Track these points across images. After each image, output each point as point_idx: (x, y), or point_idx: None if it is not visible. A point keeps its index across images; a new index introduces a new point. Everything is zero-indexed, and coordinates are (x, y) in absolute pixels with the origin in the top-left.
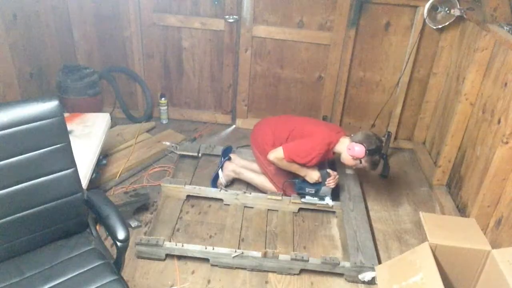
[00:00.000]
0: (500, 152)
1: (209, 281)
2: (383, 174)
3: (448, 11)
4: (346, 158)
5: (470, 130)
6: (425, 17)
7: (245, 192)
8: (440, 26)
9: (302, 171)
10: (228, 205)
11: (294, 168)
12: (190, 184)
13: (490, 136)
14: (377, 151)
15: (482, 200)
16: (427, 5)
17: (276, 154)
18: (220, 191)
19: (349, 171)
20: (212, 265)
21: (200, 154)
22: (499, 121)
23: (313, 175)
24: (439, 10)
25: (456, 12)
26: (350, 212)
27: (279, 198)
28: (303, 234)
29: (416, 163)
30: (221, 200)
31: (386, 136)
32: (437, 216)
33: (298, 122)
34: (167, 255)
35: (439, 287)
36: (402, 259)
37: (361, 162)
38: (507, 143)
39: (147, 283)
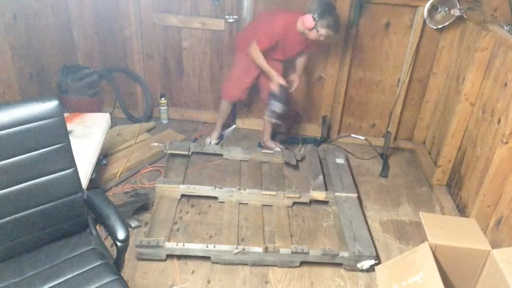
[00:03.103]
0: (500, 152)
1: (209, 281)
2: (383, 174)
3: (448, 11)
4: (308, 33)
5: (470, 130)
6: (425, 17)
7: (239, 189)
8: (440, 26)
9: (271, 72)
10: (223, 202)
11: (262, 64)
12: (182, 183)
13: (490, 136)
14: (325, 13)
15: (482, 200)
16: (427, 5)
17: (252, 46)
18: (214, 189)
19: (339, 161)
20: (213, 262)
21: (190, 153)
22: (499, 121)
23: (277, 78)
24: (439, 10)
25: (456, 12)
26: (344, 203)
27: (274, 193)
28: (300, 227)
29: (416, 163)
30: (216, 197)
31: (386, 136)
32: (437, 216)
33: (264, 15)
34: (167, 255)
35: (439, 287)
36: (402, 259)
37: (318, 31)
38: (507, 143)
39: (147, 283)
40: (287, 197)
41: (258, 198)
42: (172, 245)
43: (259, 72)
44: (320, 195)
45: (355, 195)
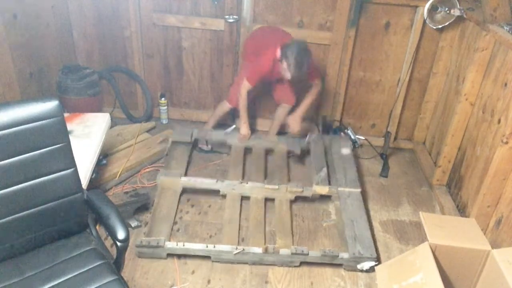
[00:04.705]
0: (500, 152)
1: (209, 281)
2: (383, 174)
3: (448, 11)
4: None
5: (470, 130)
6: (425, 17)
7: (241, 182)
8: (440, 26)
9: (242, 117)
10: (224, 198)
11: (241, 105)
12: (185, 174)
13: (490, 136)
14: (292, 51)
15: (482, 200)
16: (427, 5)
17: (244, 84)
18: (216, 182)
19: (345, 151)
20: (213, 261)
21: (192, 139)
22: (499, 121)
23: (242, 129)
24: (439, 10)
25: (456, 12)
26: (347, 198)
27: (276, 187)
28: (299, 227)
29: (416, 163)
30: (219, 197)
31: (386, 136)
32: (437, 216)
33: (268, 42)
34: (168, 254)
35: (439, 287)
36: (402, 259)
37: (281, 64)
38: (507, 143)
39: (147, 283)
40: (289, 191)
41: (261, 191)
42: (172, 245)
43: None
44: (323, 189)
45: (359, 190)
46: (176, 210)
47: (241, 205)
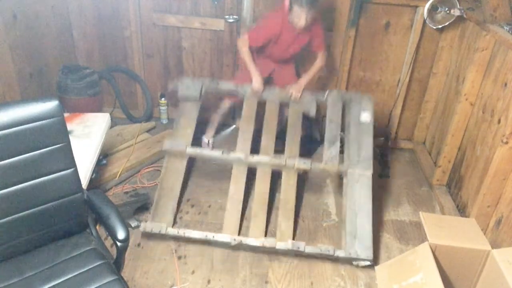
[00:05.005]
0: (500, 152)
1: (209, 281)
2: (383, 174)
3: (448, 11)
4: (290, 19)
5: (470, 130)
6: (425, 17)
7: (247, 156)
8: (440, 26)
9: (251, 69)
10: (231, 168)
11: (246, 60)
12: (190, 146)
13: (490, 136)
14: None
15: (482, 200)
16: (427, 5)
17: (241, 39)
18: (222, 153)
19: (364, 118)
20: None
21: (203, 92)
22: (499, 121)
23: (255, 80)
24: (439, 10)
25: (456, 12)
26: (355, 183)
27: (283, 163)
28: (299, 227)
29: (416, 163)
30: (220, 197)
31: (386, 136)
32: (437, 216)
33: None
34: (169, 252)
35: (439, 287)
36: (402, 259)
37: (293, 10)
38: (507, 143)
39: (147, 283)
40: (297, 168)
41: (267, 165)
42: (173, 232)
43: (266, 76)
44: (332, 167)
45: (370, 172)
46: (182, 184)
47: (246, 178)
